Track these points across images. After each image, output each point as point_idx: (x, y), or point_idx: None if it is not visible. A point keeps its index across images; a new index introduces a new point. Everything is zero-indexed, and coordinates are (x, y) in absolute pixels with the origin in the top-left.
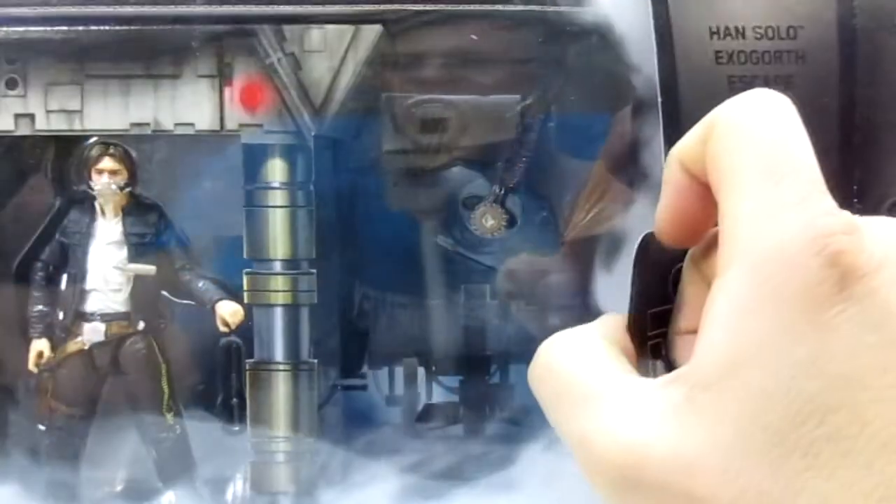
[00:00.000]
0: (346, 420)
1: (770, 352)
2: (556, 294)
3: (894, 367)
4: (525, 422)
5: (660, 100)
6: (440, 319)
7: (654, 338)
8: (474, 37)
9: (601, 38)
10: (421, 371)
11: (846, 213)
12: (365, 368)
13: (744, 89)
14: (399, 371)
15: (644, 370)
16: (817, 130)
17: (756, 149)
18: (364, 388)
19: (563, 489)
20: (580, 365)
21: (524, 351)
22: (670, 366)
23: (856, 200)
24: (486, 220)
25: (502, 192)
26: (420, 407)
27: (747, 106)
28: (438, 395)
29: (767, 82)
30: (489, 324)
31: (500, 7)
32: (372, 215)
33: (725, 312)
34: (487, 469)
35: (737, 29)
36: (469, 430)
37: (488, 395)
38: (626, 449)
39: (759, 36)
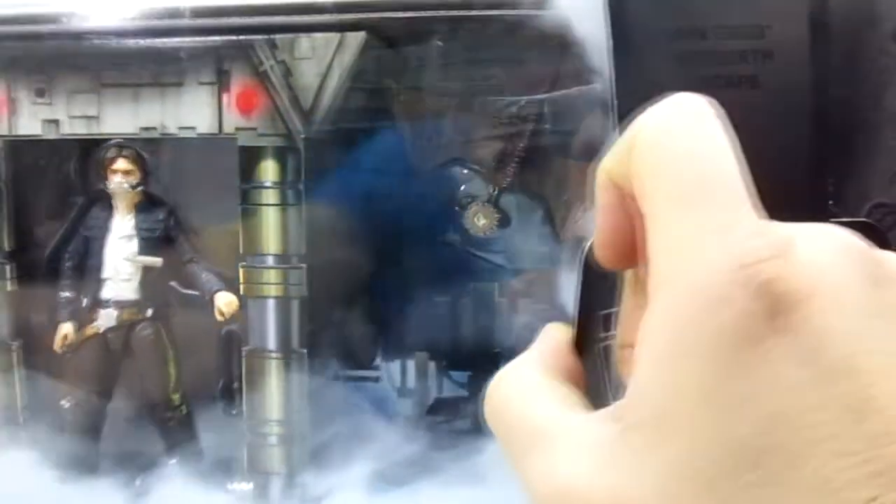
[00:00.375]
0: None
1: (699, 394)
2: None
3: (831, 402)
4: None
5: (614, 102)
6: (450, 316)
7: (601, 346)
8: (440, 42)
9: (561, 42)
10: (432, 365)
11: (776, 230)
12: (378, 361)
13: (704, 92)
14: (411, 364)
15: (594, 383)
16: (787, 131)
17: (674, 167)
18: (377, 379)
19: None
20: (519, 405)
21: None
22: (618, 380)
23: (832, 203)
24: (479, 220)
25: (495, 191)
26: (431, 401)
27: (665, 116)
28: (448, 390)
29: (730, 84)
30: (498, 321)
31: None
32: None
33: (652, 351)
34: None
35: (698, 30)
36: (476, 425)
37: None
38: (564, 492)
39: (721, 36)
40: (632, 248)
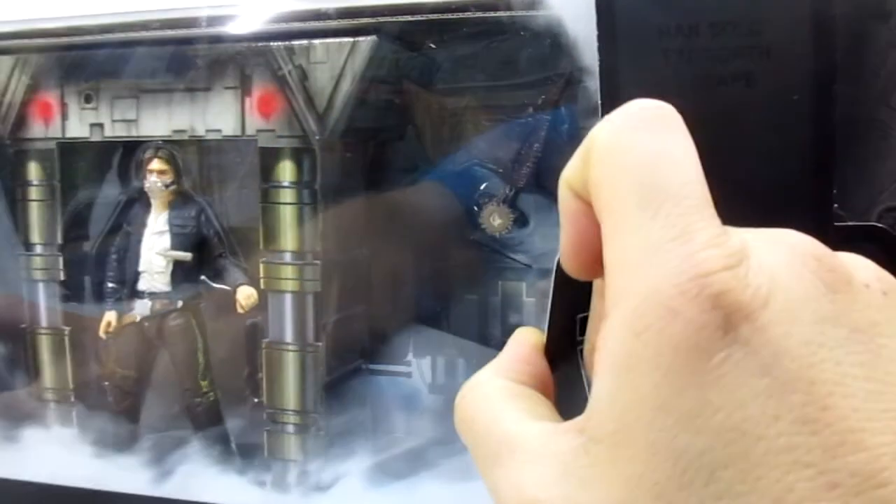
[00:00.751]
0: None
1: (654, 407)
2: None
3: (786, 412)
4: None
5: (600, 102)
6: (479, 314)
7: (579, 349)
8: (432, 45)
9: (554, 41)
10: (461, 362)
11: (731, 239)
12: (410, 356)
13: (694, 91)
14: (440, 361)
15: (566, 388)
16: (787, 132)
17: (629, 176)
18: (409, 375)
19: None
20: (486, 415)
21: None
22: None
23: (837, 206)
24: (494, 220)
25: (512, 191)
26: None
27: (622, 123)
28: None
29: (725, 83)
30: (526, 320)
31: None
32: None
33: (611, 363)
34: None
35: (691, 27)
36: None
37: None
38: (528, 502)
39: (715, 32)
40: (597, 258)
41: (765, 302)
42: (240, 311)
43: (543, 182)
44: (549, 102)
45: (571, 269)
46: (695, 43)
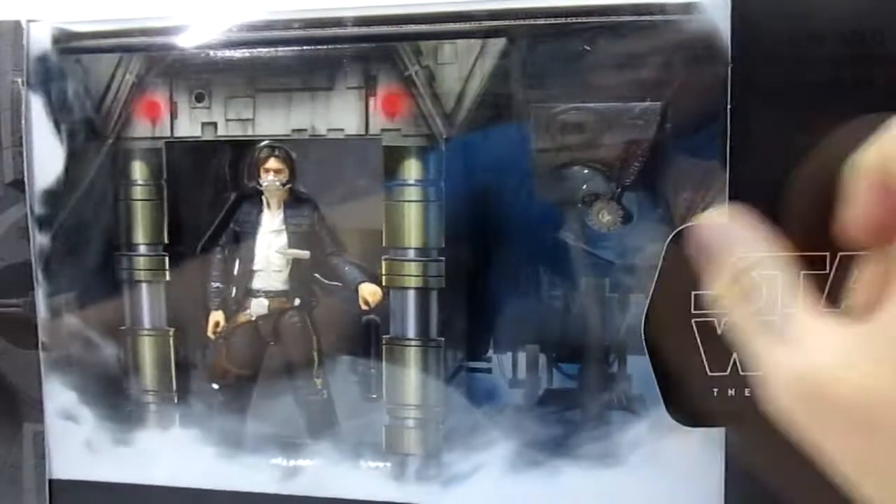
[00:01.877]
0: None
1: None
2: None
3: None
4: (642, 411)
5: (728, 107)
6: (561, 310)
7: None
8: (587, 47)
9: (708, 46)
10: (542, 358)
11: None
12: (490, 352)
13: (821, 96)
14: (522, 356)
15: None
16: None
17: None
18: (489, 370)
19: (662, 464)
20: (771, 293)
21: (640, 343)
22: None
23: None
24: (603, 216)
25: (619, 189)
26: (541, 391)
27: None
28: (558, 381)
29: (847, 87)
30: (608, 315)
31: (614, 18)
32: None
33: None
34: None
35: (818, 36)
36: (586, 416)
37: (606, 383)
38: (816, 371)
39: (841, 42)
40: (886, 230)
41: None
42: (364, 307)
43: (648, 181)
44: (657, 105)
45: (860, 238)
46: (820, 51)
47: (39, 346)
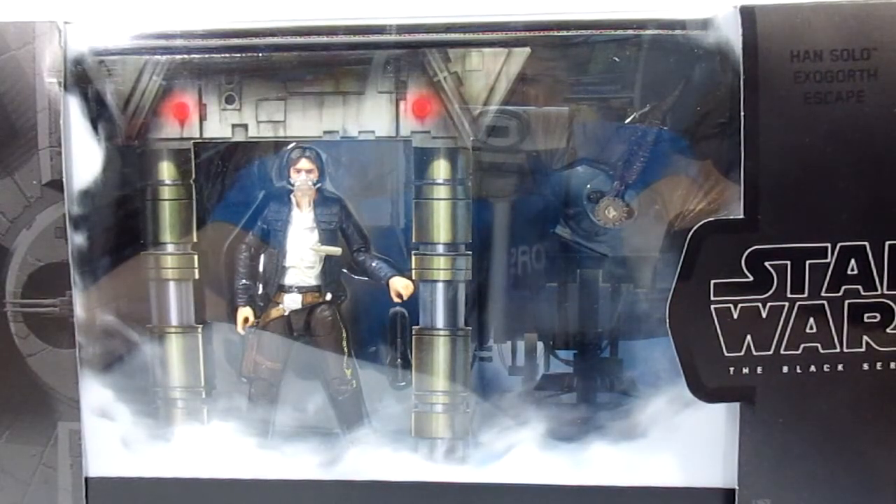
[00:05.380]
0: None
1: None
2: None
3: None
4: (633, 392)
5: (742, 113)
6: (558, 300)
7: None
8: (616, 58)
9: (723, 59)
10: (540, 345)
11: None
12: (491, 342)
13: (817, 105)
14: (521, 345)
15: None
16: (887, 140)
17: None
18: (489, 359)
19: (683, 437)
20: None
21: (632, 329)
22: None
23: None
24: (609, 212)
25: (623, 187)
26: (538, 377)
27: None
28: (555, 367)
29: (840, 98)
30: (601, 304)
31: (636, 32)
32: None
33: None
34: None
35: (815, 52)
36: (581, 398)
37: (599, 368)
38: None
39: (835, 58)
40: None
41: None
42: (397, 300)
43: (645, 179)
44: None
45: None
46: (818, 65)
47: (77, 345)
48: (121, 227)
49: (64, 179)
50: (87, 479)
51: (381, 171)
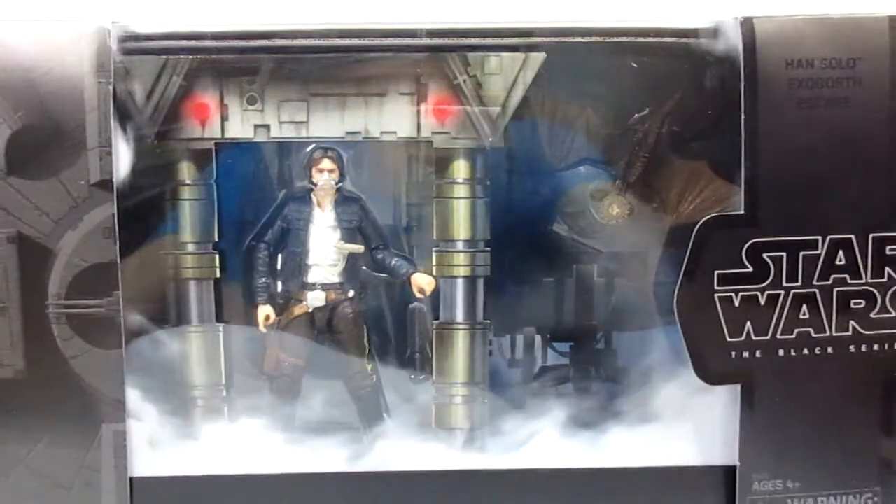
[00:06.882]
0: None
1: None
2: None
3: None
4: (624, 380)
5: (742, 116)
6: (555, 294)
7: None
8: (634, 64)
9: (732, 66)
10: (538, 338)
11: None
12: (490, 336)
13: (809, 110)
14: (520, 339)
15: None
16: (871, 143)
17: None
18: (490, 353)
19: (695, 419)
20: None
21: (625, 321)
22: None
23: None
24: (612, 209)
25: (625, 185)
26: (536, 369)
27: None
28: (552, 359)
29: (829, 104)
30: (596, 298)
31: (651, 39)
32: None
33: None
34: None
35: (808, 61)
36: (577, 388)
37: (594, 359)
38: None
39: (824, 66)
40: None
41: None
42: (420, 295)
43: (647, 177)
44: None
45: None
46: (810, 73)
47: (123, 345)
48: (143, 226)
49: (114, 179)
50: (131, 480)
51: (384, 171)
